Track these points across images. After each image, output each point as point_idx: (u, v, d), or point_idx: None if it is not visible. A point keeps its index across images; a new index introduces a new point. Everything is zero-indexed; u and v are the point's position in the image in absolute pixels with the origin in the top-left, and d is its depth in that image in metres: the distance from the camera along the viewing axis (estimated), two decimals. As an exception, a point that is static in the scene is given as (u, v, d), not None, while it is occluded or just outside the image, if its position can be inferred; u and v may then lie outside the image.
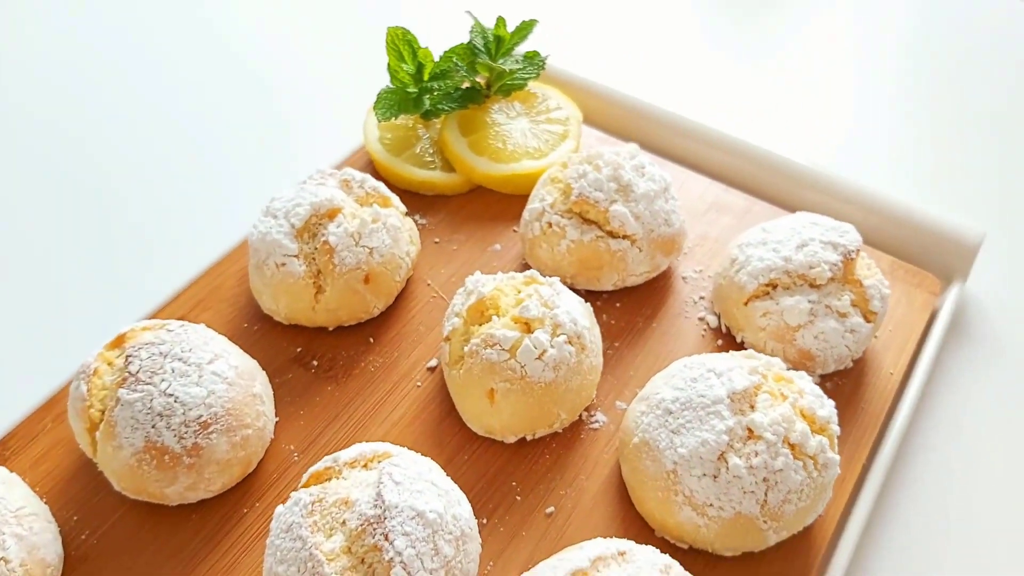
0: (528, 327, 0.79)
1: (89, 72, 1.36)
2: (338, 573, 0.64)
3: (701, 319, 0.94)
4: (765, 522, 0.71)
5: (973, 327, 0.98)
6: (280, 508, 0.69)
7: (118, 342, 0.78)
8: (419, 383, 0.88)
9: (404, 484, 0.67)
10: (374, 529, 0.64)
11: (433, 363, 0.90)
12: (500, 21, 1.05)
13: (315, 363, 0.89)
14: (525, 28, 1.05)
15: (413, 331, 0.93)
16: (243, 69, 1.38)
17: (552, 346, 0.78)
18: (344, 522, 0.66)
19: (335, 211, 0.87)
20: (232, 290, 0.95)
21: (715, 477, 0.71)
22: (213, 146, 1.24)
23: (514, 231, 1.03)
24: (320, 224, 0.87)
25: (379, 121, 1.05)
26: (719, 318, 0.93)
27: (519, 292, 0.82)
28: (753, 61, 1.40)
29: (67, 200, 1.14)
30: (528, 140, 1.06)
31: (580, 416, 0.85)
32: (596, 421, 0.85)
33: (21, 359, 0.96)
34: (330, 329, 0.91)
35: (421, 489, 0.68)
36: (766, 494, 0.70)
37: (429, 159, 1.06)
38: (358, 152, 1.11)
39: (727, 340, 0.91)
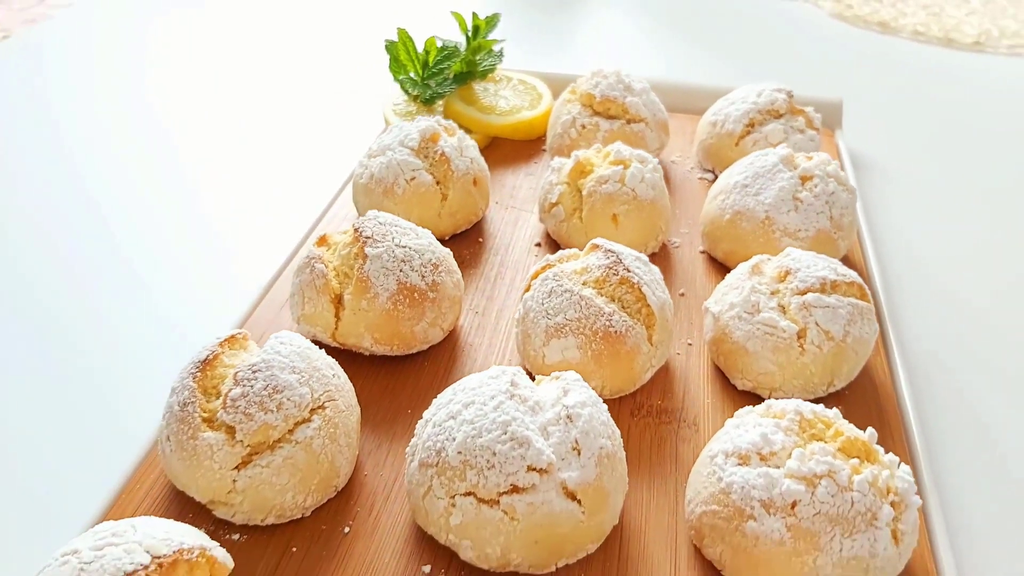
0: (624, 165, 1.04)
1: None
2: (605, 303, 0.84)
3: (701, 178, 1.25)
4: (835, 232, 1.01)
5: (857, 155, 1.39)
6: (527, 295, 0.87)
7: (322, 241, 0.92)
8: (535, 255, 1.09)
9: (614, 246, 0.89)
10: (615, 270, 0.85)
11: (538, 240, 1.11)
12: (475, 15, 1.34)
13: (448, 261, 1.07)
14: (493, 19, 1.35)
15: (506, 229, 1.14)
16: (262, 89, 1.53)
17: (647, 172, 1.04)
18: (584, 282, 0.86)
19: (436, 135, 1.08)
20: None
21: (796, 209, 1.00)
22: (259, 145, 1.39)
23: (535, 163, 1.29)
24: (427, 147, 1.07)
25: (408, 96, 1.29)
26: (714, 171, 1.25)
27: (599, 152, 1.08)
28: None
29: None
30: (517, 100, 1.35)
31: (663, 241, 1.10)
32: (674, 242, 1.11)
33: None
34: (447, 238, 1.10)
35: (623, 248, 0.90)
36: (831, 210, 1.01)
37: (447, 130, 1.30)
38: (383, 139, 1.32)
39: (727, 182, 1.23)
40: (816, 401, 0.87)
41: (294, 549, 0.72)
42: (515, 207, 1.19)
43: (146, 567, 0.56)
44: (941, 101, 1.60)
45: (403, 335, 0.88)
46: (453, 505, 0.67)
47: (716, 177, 1.24)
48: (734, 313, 0.86)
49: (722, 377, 0.91)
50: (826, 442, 0.68)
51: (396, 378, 0.90)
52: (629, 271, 0.85)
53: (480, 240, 1.12)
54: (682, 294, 1.02)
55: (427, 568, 0.70)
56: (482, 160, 1.13)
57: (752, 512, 0.66)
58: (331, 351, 0.90)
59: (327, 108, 1.56)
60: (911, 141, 1.46)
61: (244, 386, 0.70)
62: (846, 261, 1.06)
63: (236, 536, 0.72)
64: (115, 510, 0.74)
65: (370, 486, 0.78)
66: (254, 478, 0.69)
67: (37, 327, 1.02)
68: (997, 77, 1.72)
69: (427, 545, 0.72)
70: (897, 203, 1.27)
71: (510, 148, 1.32)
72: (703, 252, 1.10)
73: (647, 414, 0.86)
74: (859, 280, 0.87)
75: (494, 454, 0.66)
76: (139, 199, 1.28)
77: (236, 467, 0.70)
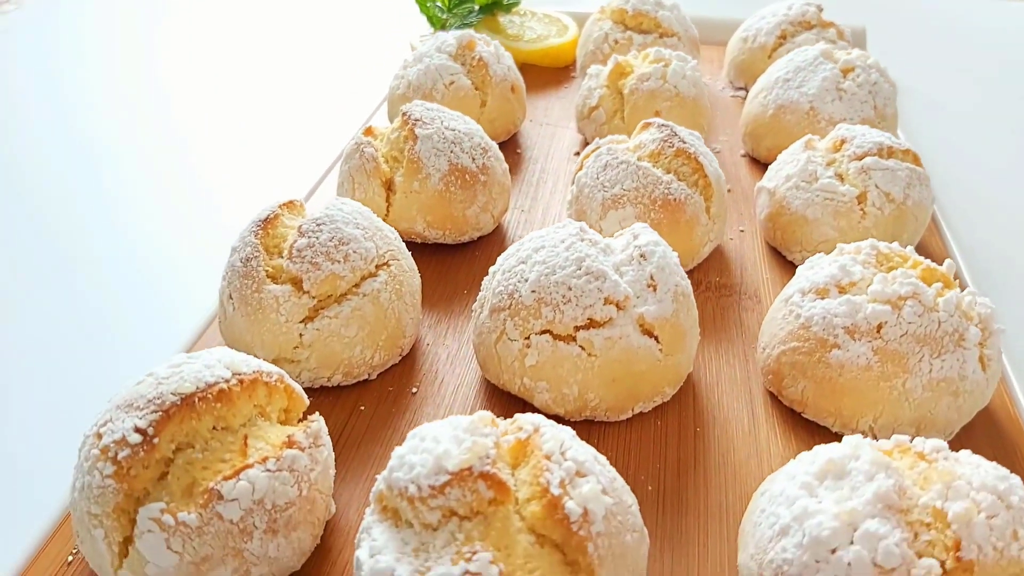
0: (665, 63, 1.04)
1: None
2: (662, 173, 0.83)
3: (733, 96, 1.25)
4: (879, 122, 1.00)
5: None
6: (580, 173, 0.86)
7: (368, 132, 0.91)
8: (575, 162, 1.08)
9: (667, 122, 0.88)
10: (670, 142, 0.84)
11: (576, 150, 1.11)
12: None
13: (489, 167, 1.06)
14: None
15: (543, 142, 1.13)
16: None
17: (688, 70, 1.04)
18: (640, 157, 0.85)
19: (473, 42, 1.08)
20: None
21: (840, 99, 1.00)
22: (286, 82, 1.37)
23: (565, 87, 1.29)
24: (464, 54, 1.07)
25: (434, 28, 1.28)
26: (745, 88, 1.24)
27: (637, 56, 1.08)
28: None
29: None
30: (543, 30, 1.35)
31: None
32: (715, 148, 1.11)
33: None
34: (485, 148, 1.09)
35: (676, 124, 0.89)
36: (874, 100, 1.00)
37: (475, 58, 1.30)
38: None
39: (760, 97, 1.22)
40: (876, 271, 0.85)
41: (362, 408, 0.70)
42: (550, 123, 1.18)
43: (227, 380, 0.54)
44: (956, 41, 1.60)
45: (455, 218, 0.86)
46: (528, 345, 0.66)
47: (748, 92, 1.24)
48: (791, 184, 0.85)
49: (778, 256, 0.90)
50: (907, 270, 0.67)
51: (450, 265, 0.88)
52: (685, 142, 0.84)
53: (519, 151, 1.11)
54: (729, 190, 1.01)
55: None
56: (518, 71, 1.12)
57: (836, 340, 0.64)
58: (382, 239, 0.89)
59: (353, 42, 1.56)
60: (931, 73, 1.46)
61: (310, 237, 0.69)
62: (889, 156, 1.05)
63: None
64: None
65: (434, 354, 0.77)
66: (322, 330, 0.68)
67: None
68: (1009, 20, 1.73)
69: (498, 399, 0.71)
70: (927, 121, 1.27)
71: (539, 74, 1.31)
72: (744, 155, 1.09)
73: (707, 289, 0.85)
74: (914, 150, 0.86)
75: (570, 288, 0.65)
76: (171, 145, 1.27)
77: (303, 320, 0.68)
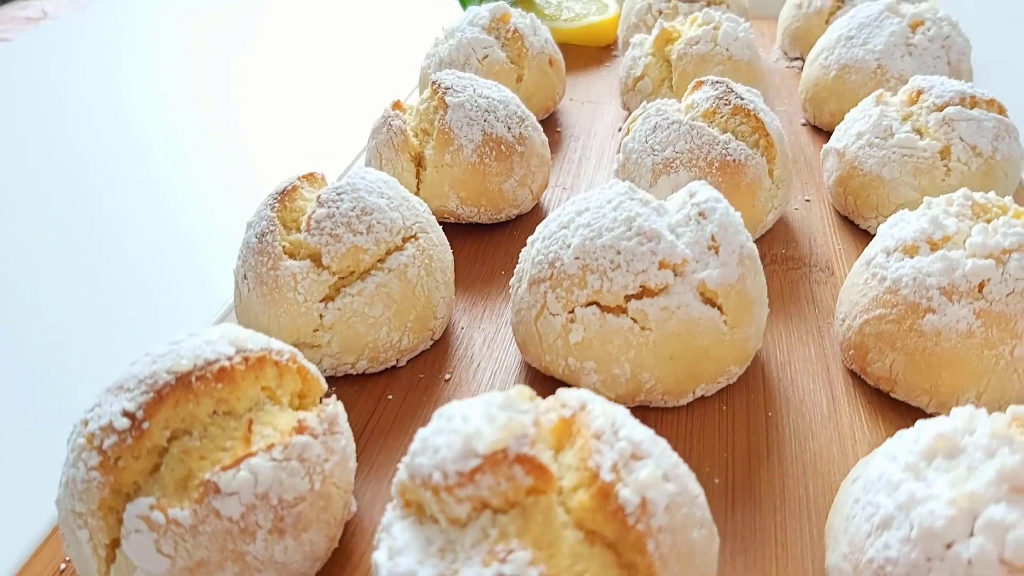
0: (715, 26, 0.96)
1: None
2: (719, 132, 0.74)
3: (789, 67, 1.16)
4: (955, 79, 0.91)
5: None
6: (626, 139, 0.79)
7: (396, 106, 0.84)
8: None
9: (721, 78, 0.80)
10: (726, 99, 0.76)
11: (620, 126, 1.03)
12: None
13: (527, 146, 0.99)
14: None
15: (584, 120, 1.06)
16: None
17: (740, 31, 0.95)
18: (692, 116, 0.77)
19: (507, 15, 1.01)
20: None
21: (911, 55, 0.90)
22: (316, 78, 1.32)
23: (607, 67, 1.21)
24: (498, 27, 1.00)
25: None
26: (801, 58, 1.15)
27: (684, 21, 1.00)
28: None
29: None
30: (582, 8, 1.28)
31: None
32: (771, 118, 1.02)
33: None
34: (523, 126, 1.02)
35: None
36: (948, 55, 0.91)
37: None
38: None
39: (819, 65, 1.13)
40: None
41: (390, 396, 0.64)
42: (591, 101, 1.11)
43: (230, 357, 0.48)
44: None
45: (491, 194, 0.79)
46: (572, 320, 0.58)
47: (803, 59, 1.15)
48: (863, 142, 0.76)
49: (851, 226, 0.81)
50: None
51: (486, 244, 0.82)
52: (742, 99, 0.76)
53: (559, 130, 1.04)
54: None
55: (544, 405, 0.61)
56: (555, 45, 1.05)
57: (930, 304, 0.56)
58: (412, 220, 0.82)
59: (385, 27, 1.51)
60: (1005, 29, 1.34)
61: (329, 207, 0.62)
62: (969, 117, 0.95)
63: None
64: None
65: (468, 338, 0.69)
66: (344, 310, 0.61)
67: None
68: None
69: (541, 384, 0.63)
70: (1006, 79, 1.16)
71: (579, 54, 1.24)
72: (805, 124, 1.01)
73: (772, 262, 0.76)
74: (999, 101, 0.77)
75: (619, 252, 0.57)
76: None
77: (323, 300, 0.62)
